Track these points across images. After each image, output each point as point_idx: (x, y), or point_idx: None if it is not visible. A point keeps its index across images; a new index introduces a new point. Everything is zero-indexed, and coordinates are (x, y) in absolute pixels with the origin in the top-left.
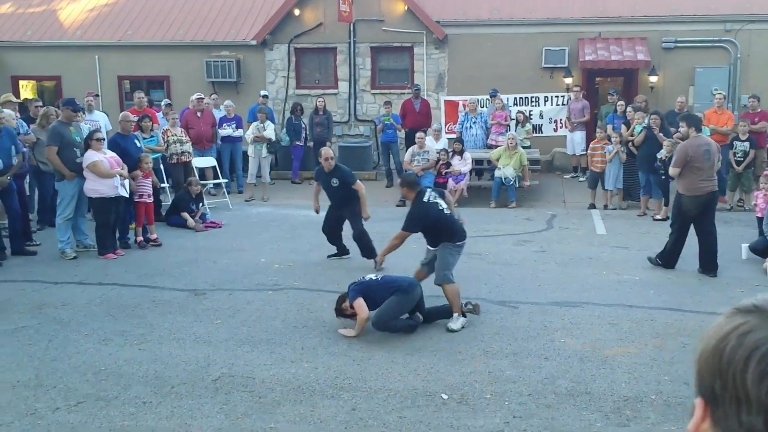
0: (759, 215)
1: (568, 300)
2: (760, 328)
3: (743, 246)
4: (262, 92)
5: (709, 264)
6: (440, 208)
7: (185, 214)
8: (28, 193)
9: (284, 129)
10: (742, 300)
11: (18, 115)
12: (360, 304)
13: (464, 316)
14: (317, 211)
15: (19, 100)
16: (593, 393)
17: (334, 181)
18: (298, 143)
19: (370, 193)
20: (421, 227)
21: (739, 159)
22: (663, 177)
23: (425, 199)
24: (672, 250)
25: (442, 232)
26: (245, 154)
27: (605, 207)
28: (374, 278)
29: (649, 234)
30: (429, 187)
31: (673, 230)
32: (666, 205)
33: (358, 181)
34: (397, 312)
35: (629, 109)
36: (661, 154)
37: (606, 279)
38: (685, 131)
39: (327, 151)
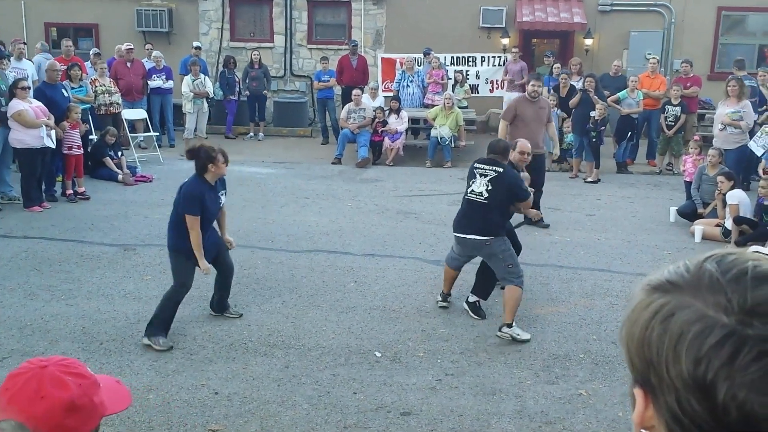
0: (687, 179)
1: None
2: (681, 309)
3: (671, 209)
4: (195, 44)
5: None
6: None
7: (108, 161)
8: None
9: (217, 82)
10: (654, 274)
11: None
12: (196, 221)
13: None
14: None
15: None
16: (523, 351)
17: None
18: (232, 98)
19: (306, 149)
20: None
21: (670, 123)
22: (594, 140)
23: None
24: None
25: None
26: (176, 107)
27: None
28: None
29: (580, 196)
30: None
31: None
32: (597, 167)
33: None
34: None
35: (562, 75)
36: (594, 114)
37: (538, 239)
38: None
39: (524, 145)
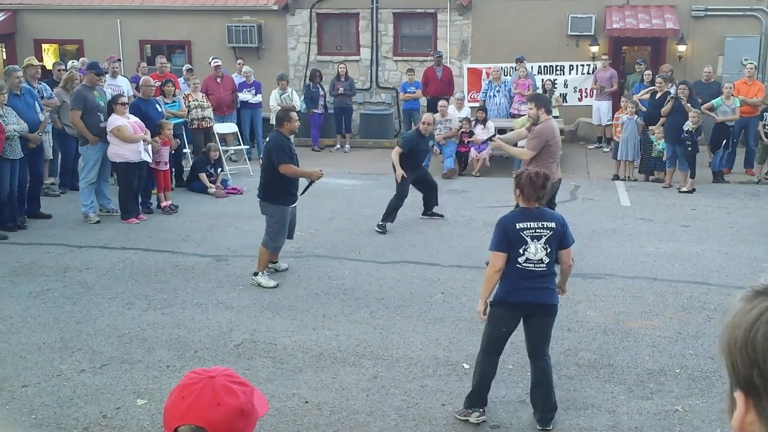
0: None
1: (592, 272)
2: None
3: None
4: (279, 74)
5: None
6: None
7: (203, 176)
8: (51, 157)
9: (303, 96)
10: (753, 283)
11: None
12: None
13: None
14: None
15: (41, 63)
16: (616, 365)
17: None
18: (315, 111)
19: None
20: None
21: None
22: (690, 149)
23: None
24: None
25: None
26: (265, 121)
27: (628, 178)
28: None
29: (674, 206)
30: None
31: None
32: (692, 177)
33: None
34: None
35: (658, 79)
36: (688, 125)
37: (630, 251)
38: (535, 113)
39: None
